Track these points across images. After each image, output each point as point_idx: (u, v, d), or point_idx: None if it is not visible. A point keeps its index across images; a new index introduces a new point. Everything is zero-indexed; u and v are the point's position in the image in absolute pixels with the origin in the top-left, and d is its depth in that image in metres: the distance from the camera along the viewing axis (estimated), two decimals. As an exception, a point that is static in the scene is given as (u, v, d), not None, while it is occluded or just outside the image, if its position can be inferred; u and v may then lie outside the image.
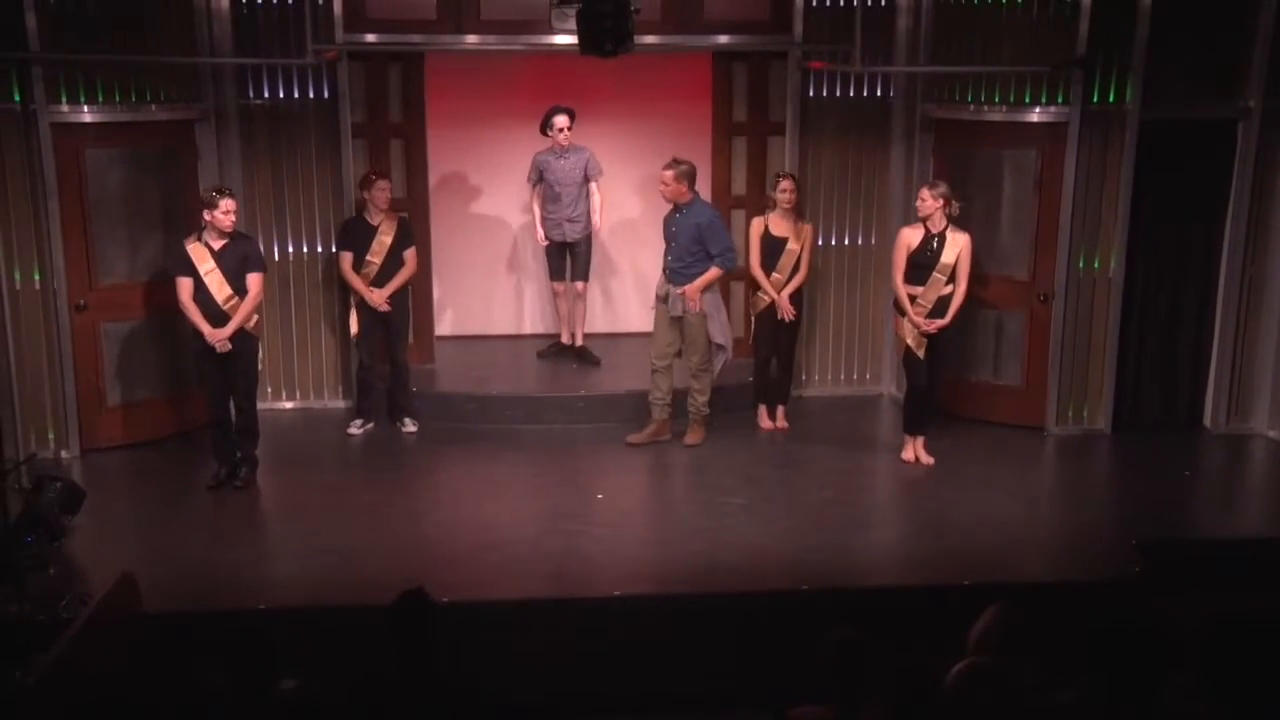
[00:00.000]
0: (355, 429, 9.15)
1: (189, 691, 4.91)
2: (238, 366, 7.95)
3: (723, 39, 9.72)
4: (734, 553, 7.06)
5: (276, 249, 9.35)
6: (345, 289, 9.13)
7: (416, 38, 9.42)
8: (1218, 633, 4.03)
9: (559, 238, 9.95)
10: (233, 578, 6.73)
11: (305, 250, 9.45)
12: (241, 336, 7.88)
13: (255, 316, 8.00)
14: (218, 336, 7.78)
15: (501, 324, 11.08)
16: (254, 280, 7.88)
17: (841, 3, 9.33)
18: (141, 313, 8.73)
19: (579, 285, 10.15)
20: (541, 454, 8.74)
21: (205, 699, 4.67)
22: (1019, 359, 9.21)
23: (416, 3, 9.40)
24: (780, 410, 9.31)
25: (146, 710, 4.96)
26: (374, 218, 8.88)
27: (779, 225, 8.92)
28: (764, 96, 9.99)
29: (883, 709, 4.24)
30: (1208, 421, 9.30)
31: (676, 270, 8.54)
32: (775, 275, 8.93)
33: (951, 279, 8.22)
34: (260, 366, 8.55)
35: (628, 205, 10.70)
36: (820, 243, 9.67)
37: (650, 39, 9.13)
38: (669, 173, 8.48)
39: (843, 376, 10.12)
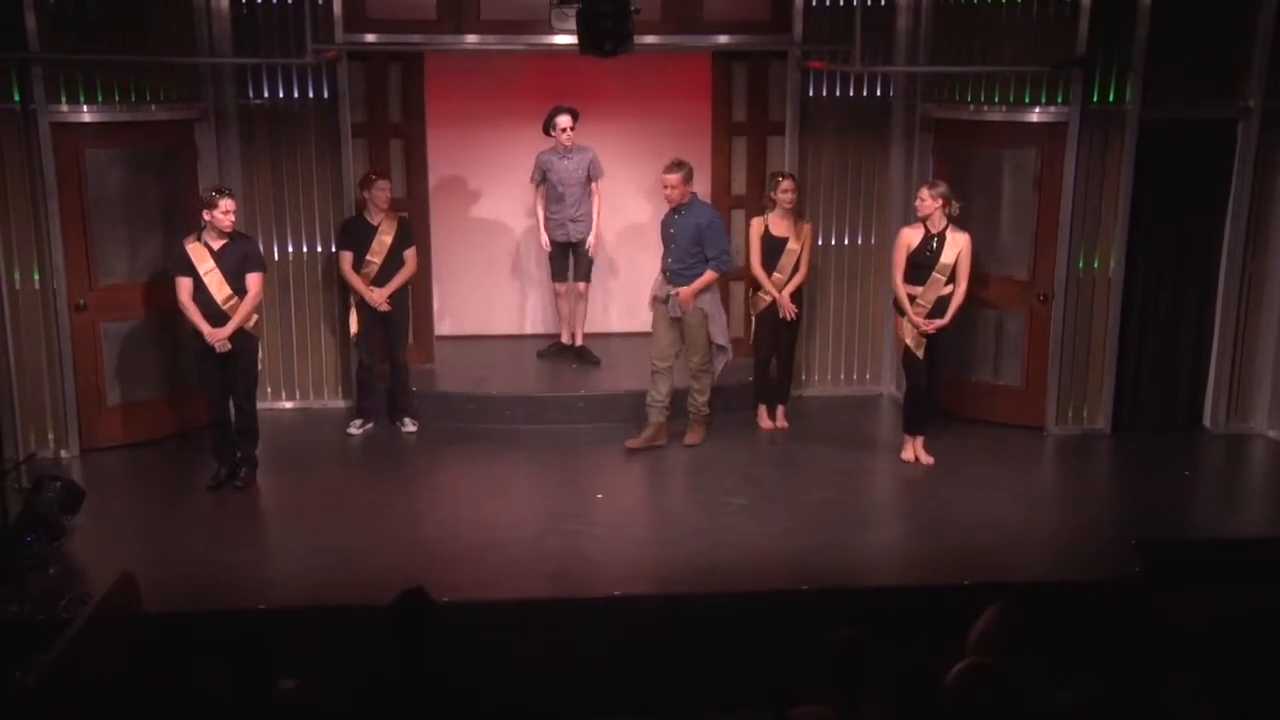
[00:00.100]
0: (355, 429, 9.15)
1: (189, 691, 4.91)
2: (237, 366, 7.94)
3: (722, 39, 9.72)
4: (734, 553, 7.05)
5: (276, 249, 9.35)
6: (345, 289, 9.13)
7: (416, 37, 9.42)
8: (1218, 632, 4.04)
9: (562, 238, 9.94)
10: (233, 578, 6.72)
11: (305, 250, 9.44)
12: (241, 336, 7.88)
13: (255, 316, 7.99)
14: (217, 336, 7.77)
15: (501, 324, 11.08)
16: (253, 280, 7.88)
17: (841, 2, 9.32)
18: (141, 313, 8.73)
19: (580, 285, 10.15)
20: (541, 454, 8.73)
21: (205, 699, 4.67)
22: (1019, 359, 9.21)
23: (416, 3, 9.40)
24: (780, 410, 9.31)
25: (146, 710, 4.96)
26: (374, 217, 8.87)
27: (779, 225, 8.92)
28: (764, 96, 9.99)
29: (883, 709, 4.24)
30: (1208, 421, 9.29)
31: (677, 272, 8.52)
32: (776, 275, 8.93)
33: (951, 279, 8.21)
34: (260, 366, 8.59)
35: (628, 205, 10.69)
36: (820, 242, 9.67)
37: (650, 39, 9.13)
38: (675, 176, 8.44)
39: (843, 376, 10.11)
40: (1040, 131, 8.86)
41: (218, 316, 7.79)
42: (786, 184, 8.87)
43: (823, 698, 4.39)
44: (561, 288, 10.22)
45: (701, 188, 9.58)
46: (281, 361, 9.57)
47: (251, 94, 9.15)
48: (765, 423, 9.28)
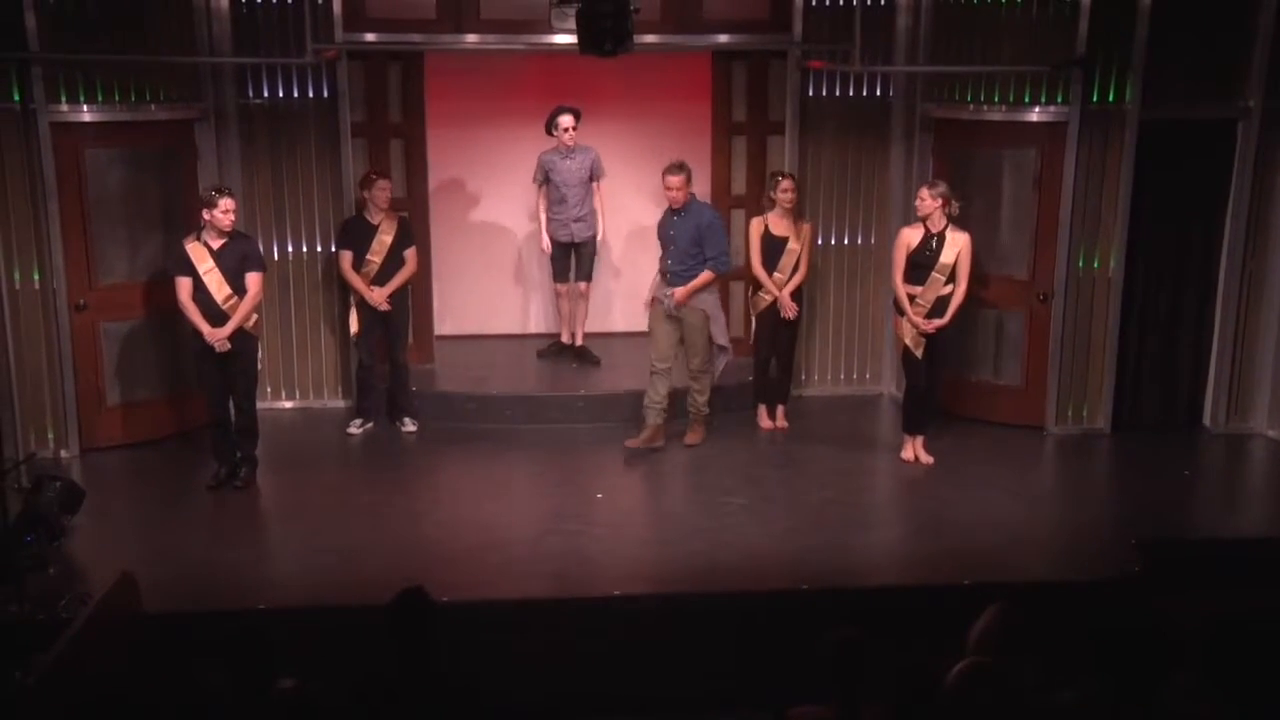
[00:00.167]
0: (355, 429, 9.14)
1: (189, 691, 4.90)
2: (237, 366, 7.94)
3: (722, 38, 9.71)
4: (734, 552, 7.05)
5: (276, 248, 9.35)
6: (345, 288, 9.13)
7: (416, 37, 9.41)
8: (1218, 632, 4.04)
9: (565, 238, 9.93)
10: (232, 577, 6.72)
11: (305, 250, 9.44)
12: (241, 336, 7.88)
13: (255, 316, 7.99)
14: (217, 336, 7.77)
15: (501, 323, 11.07)
16: (253, 280, 7.87)
17: (841, 2, 9.32)
18: (141, 312, 8.72)
19: (582, 285, 10.14)
20: (541, 454, 8.73)
21: (205, 699, 4.66)
22: (1019, 358, 9.21)
23: (416, 2, 9.39)
24: (780, 410, 9.30)
25: (146, 710, 4.96)
26: (374, 217, 8.87)
27: (778, 225, 8.91)
28: (763, 96, 9.98)
29: (882, 709, 4.24)
30: (1208, 421, 9.29)
31: (677, 273, 8.46)
32: (777, 275, 8.93)
33: (951, 279, 8.21)
34: (260, 366, 8.60)
35: (629, 204, 10.68)
36: (820, 242, 9.67)
37: (650, 38, 9.12)
38: (679, 177, 8.40)
39: (842, 376, 10.11)
40: (1040, 131, 8.86)
41: (217, 316, 7.78)
42: (786, 184, 8.87)
43: (822, 698, 4.38)
44: (563, 288, 10.21)
45: (701, 188, 9.58)
46: (281, 361, 9.57)
47: (251, 94, 9.15)
48: (765, 422, 9.28)
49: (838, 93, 9.63)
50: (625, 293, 10.91)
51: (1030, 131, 8.89)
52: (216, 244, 7.79)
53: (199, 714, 4.71)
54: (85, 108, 8.33)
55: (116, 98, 8.44)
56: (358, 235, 8.87)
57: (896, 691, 4.16)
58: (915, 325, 8.24)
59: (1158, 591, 6.26)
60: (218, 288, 7.77)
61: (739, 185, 10.18)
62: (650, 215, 10.00)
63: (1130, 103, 8.64)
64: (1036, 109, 8.83)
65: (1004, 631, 4.35)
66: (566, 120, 9.65)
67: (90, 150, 8.38)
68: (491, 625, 6.19)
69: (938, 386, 8.65)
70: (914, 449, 8.53)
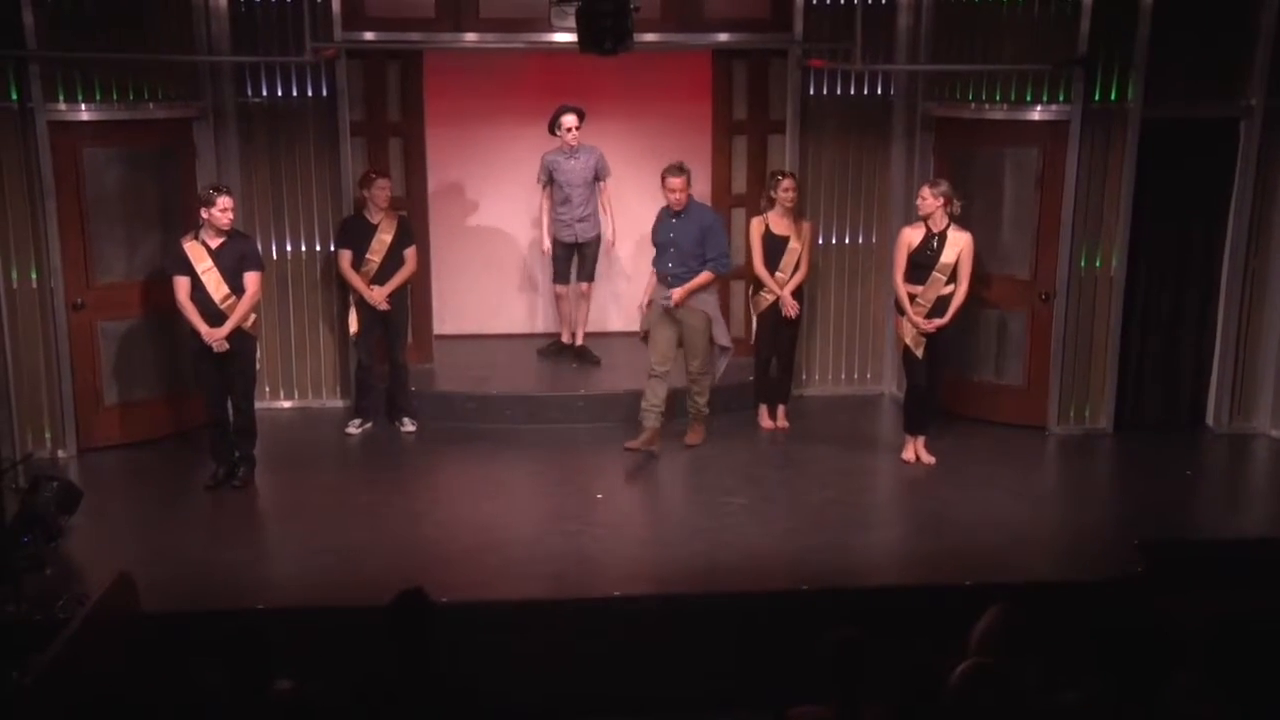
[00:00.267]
0: (354, 429, 9.11)
1: (186, 692, 4.89)
2: (235, 366, 7.92)
3: (723, 37, 9.68)
4: (734, 553, 7.02)
5: (275, 248, 9.32)
6: (344, 288, 9.10)
7: (415, 36, 9.39)
8: (1220, 633, 4.04)
9: (569, 238, 9.88)
10: (230, 578, 6.70)
11: (304, 249, 9.42)
12: (239, 336, 7.85)
13: (253, 316, 7.96)
14: (215, 336, 7.74)
15: (501, 323, 11.04)
16: (251, 279, 7.85)
17: (842, 1, 9.29)
18: (139, 312, 8.70)
19: (584, 285, 10.10)
20: (541, 454, 8.71)
21: (203, 699, 4.66)
22: (1020, 358, 9.18)
23: (415, 1, 9.37)
24: (781, 410, 9.28)
25: (144, 711, 4.96)
26: (374, 216, 8.84)
27: (779, 224, 8.88)
28: (764, 95, 9.95)
29: (883, 709, 4.23)
30: (1210, 421, 9.26)
31: (679, 276, 8.36)
32: (778, 274, 8.90)
33: (952, 278, 8.18)
34: (258, 366, 8.57)
35: (629, 204, 10.63)
36: (821, 241, 9.66)
37: (650, 37, 9.08)
38: (681, 179, 8.33)
39: (843, 376, 10.09)
40: (1042, 130, 8.83)
41: (215, 316, 7.76)
42: (787, 183, 8.84)
43: (822, 698, 4.37)
44: (563, 290, 10.16)
45: (702, 187, 9.57)
46: (280, 361, 9.54)
47: (250, 92, 9.13)
48: (766, 422, 9.25)
49: (839, 91, 9.60)
50: (626, 293, 10.86)
51: (1032, 130, 8.86)
52: (215, 243, 7.77)
53: (197, 714, 4.71)
54: (83, 106, 8.31)
55: (114, 96, 8.42)
56: (357, 234, 8.85)
57: (900, 692, 4.15)
58: (915, 325, 8.21)
59: (1160, 592, 6.26)
60: (216, 287, 7.75)
61: (739, 184, 10.15)
62: (652, 215, 9.97)
63: (1132, 101, 8.61)
64: (1038, 108, 8.81)
65: (1006, 632, 4.34)
66: (570, 120, 9.61)
67: (88, 149, 8.36)
68: (491, 626, 6.17)
69: (938, 386, 8.62)
70: (915, 449, 8.50)
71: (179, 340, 8.45)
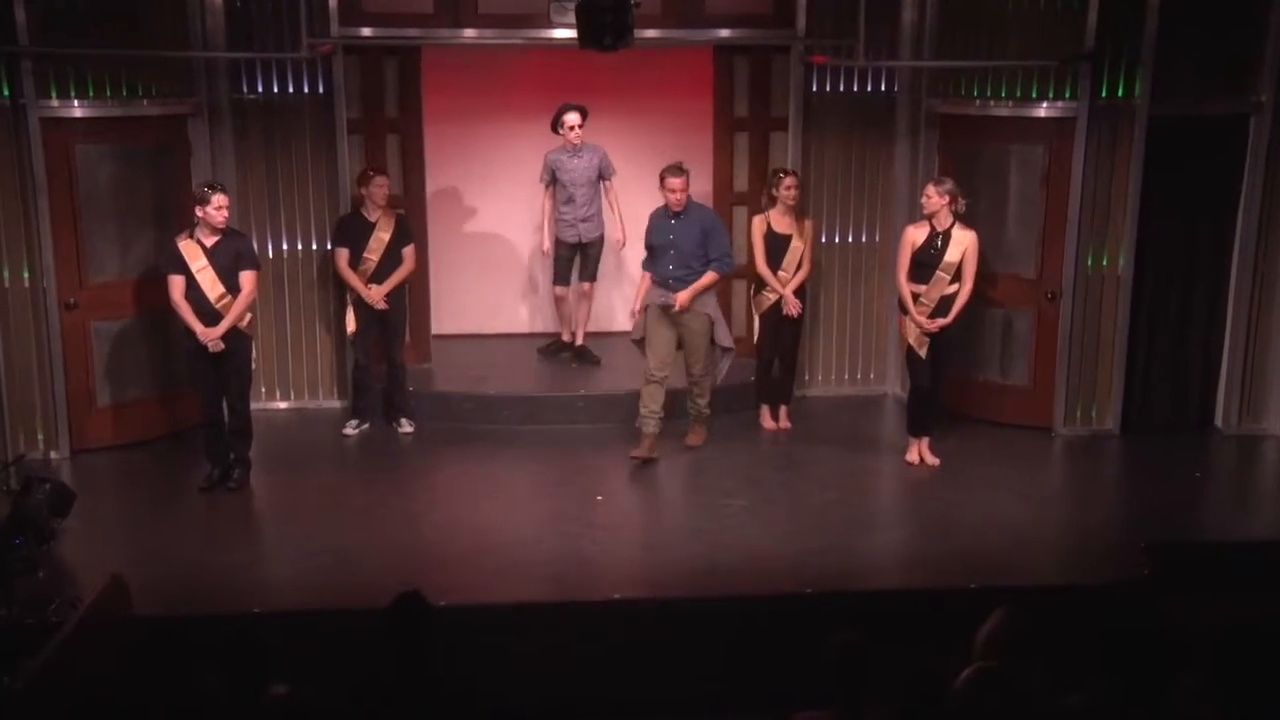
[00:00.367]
0: (351, 429, 9.05)
1: (180, 696, 4.86)
2: (231, 366, 7.85)
3: (724, 33, 9.62)
4: (735, 555, 6.97)
5: (270, 246, 9.26)
6: (341, 287, 9.04)
7: (413, 32, 9.33)
8: (1227, 636, 4.01)
9: (572, 238, 9.79)
10: (225, 580, 6.66)
11: (300, 248, 9.35)
12: (234, 335, 7.79)
13: (248, 315, 7.90)
14: (210, 335, 7.68)
15: (500, 323, 10.98)
16: (247, 278, 7.79)
17: (845, -4, 9.24)
18: (132, 311, 8.63)
19: (586, 285, 10.02)
20: (540, 454, 8.65)
21: (198, 704, 4.63)
22: (1026, 358, 9.12)
23: (413, -4, 9.34)
24: (783, 410, 9.21)
25: (137, 716, 4.94)
26: (371, 214, 8.77)
27: (781, 222, 8.81)
28: (766, 91, 9.87)
29: (885, 714, 4.22)
30: (1219, 422, 9.19)
31: (680, 278, 8.25)
32: (780, 273, 8.82)
33: (956, 277, 8.10)
34: (254, 366, 8.52)
35: (629, 202, 10.56)
36: (824, 240, 9.60)
37: (650, 33, 9.01)
38: (682, 179, 8.24)
39: (846, 376, 10.02)
40: (1048, 127, 8.76)
41: (210, 315, 7.69)
42: (789, 181, 8.76)
43: (824, 702, 4.34)
44: (563, 291, 10.05)
45: (703, 185, 9.50)
46: (276, 361, 9.48)
47: (245, 89, 9.06)
48: (768, 423, 9.18)
49: (841, 88, 9.54)
50: (626, 292, 10.76)
51: (1038, 127, 8.79)
52: (210, 241, 7.71)
53: (191, 718, 4.67)
54: (76, 103, 8.25)
55: (108, 93, 8.36)
56: (354, 233, 8.78)
57: (905, 696, 4.13)
58: (919, 324, 8.13)
59: (1166, 594, 6.21)
60: (211, 286, 7.68)
61: (741, 182, 10.07)
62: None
63: (1139, 98, 8.54)
64: (1044, 104, 8.74)
65: (1011, 635, 4.33)
66: (572, 118, 9.53)
67: (81, 146, 8.29)
68: (489, 629, 6.13)
69: (942, 387, 8.54)
70: (919, 450, 8.43)
71: (173, 340, 8.38)
